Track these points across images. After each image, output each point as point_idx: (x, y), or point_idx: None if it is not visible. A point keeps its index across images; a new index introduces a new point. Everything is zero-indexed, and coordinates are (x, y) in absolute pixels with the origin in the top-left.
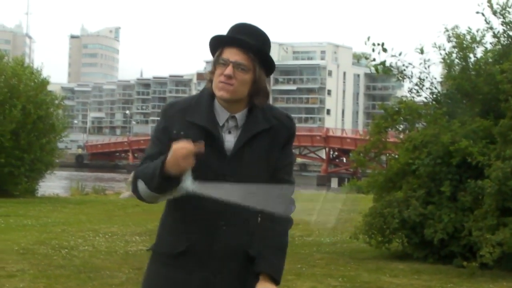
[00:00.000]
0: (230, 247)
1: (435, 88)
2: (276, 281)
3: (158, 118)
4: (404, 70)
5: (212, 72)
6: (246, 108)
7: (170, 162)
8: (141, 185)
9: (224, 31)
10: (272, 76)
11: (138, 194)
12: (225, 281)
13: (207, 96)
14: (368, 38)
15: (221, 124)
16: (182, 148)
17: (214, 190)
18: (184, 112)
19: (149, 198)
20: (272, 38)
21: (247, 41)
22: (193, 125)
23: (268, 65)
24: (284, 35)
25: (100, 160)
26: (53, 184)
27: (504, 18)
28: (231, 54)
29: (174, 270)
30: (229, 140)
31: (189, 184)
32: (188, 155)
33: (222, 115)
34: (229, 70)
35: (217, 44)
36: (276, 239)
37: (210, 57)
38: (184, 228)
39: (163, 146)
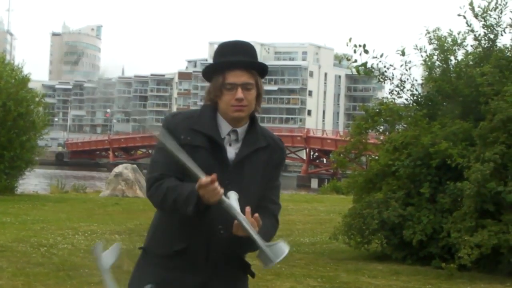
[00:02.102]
0: (226, 252)
1: (416, 90)
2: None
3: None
4: (385, 71)
5: (217, 96)
6: (248, 123)
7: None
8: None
9: (205, 31)
10: None
11: (162, 205)
12: (221, 285)
13: (210, 110)
14: (350, 40)
15: (222, 137)
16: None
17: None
18: (188, 121)
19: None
20: (254, 38)
21: (247, 61)
22: (199, 133)
23: (266, 69)
24: (266, 36)
25: (80, 158)
26: (33, 181)
27: (485, 21)
28: (236, 77)
29: (169, 271)
30: (230, 151)
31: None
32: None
33: (224, 128)
34: (240, 94)
35: (217, 69)
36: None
37: (191, 57)
38: (182, 229)
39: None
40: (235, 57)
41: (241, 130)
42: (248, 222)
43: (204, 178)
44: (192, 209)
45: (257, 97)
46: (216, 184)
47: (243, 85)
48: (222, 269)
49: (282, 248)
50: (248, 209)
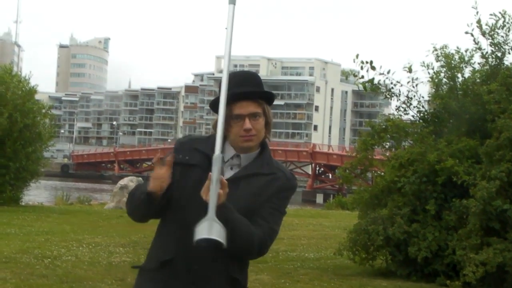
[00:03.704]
0: (210, 266)
1: (423, 106)
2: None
3: (148, 130)
4: (392, 88)
5: (225, 128)
6: (257, 151)
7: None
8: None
9: (212, 45)
10: None
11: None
12: None
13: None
14: (357, 56)
15: (225, 160)
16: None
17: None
18: (194, 142)
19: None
20: (261, 53)
21: (252, 91)
22: (198, 151)
23: (273, 97)
24: (273, 50)
25: (85, 170)
26: (38, 193)
27: (492, 39)
28: (243, 108)
29: (156, 283)
30: (229, 175)
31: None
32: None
33: (228, 152)
34: (248, 124)
35: (233, 97)
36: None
37: (198, 70)
38: (167, 242)
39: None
40: (240, 89)
41: (246, 156)
42: (216, 190)
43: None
44: (146, 193)
45: (266, 125)
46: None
47: (250, 115)
48: (207, 281)
49: (220, 232)
50: (224, 180)
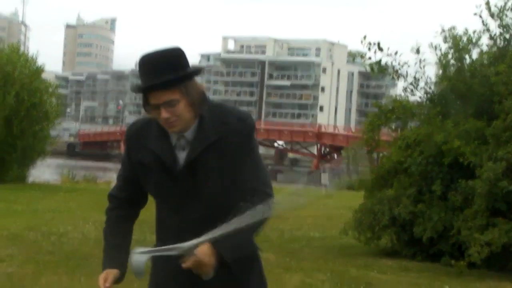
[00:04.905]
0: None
1: (430, 88)
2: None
3: None
4: (399, 69)
5: (149, 113)
6: (195, 122)
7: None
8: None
9: (219, 25)
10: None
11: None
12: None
13: (156, 121)
14: (365, 37)
15: (173, 144)
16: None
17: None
18: (138, 135)
19: None
20: (268, 33)
21: (161, 81)
22: (145, 147)
23: (192, 75)
24: (280, 31)
25: (92, 149)
26: (44, 171)
27: (501, 20)
28: (156, 98)
29: (157, 275)
30: (183, 157)
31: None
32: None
33: (173, 134)
34: (164, 114)
35: (140, 92)
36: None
37: (205, 50)
38: (161, 235)
39: (128, 169)
40: (149, 78)
41: (189, 133)
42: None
43: (102, 281)
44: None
45: (192, 104)
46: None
47: (165, 104)
48: (197, 282)
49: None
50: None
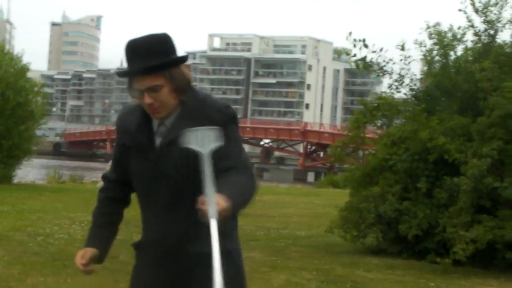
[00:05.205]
0: (164, 245)
1: (415, 85)
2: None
3: None
4: (385, 66)
5: (133, 98)
6: (178, 110)
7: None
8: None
9: (205, 23)
10: (252, 69)
11: None
12: (178, 280)
13: (139, 107)
14: (350, 34)
15: (155, 130)
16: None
17: None
18: (125, 118)
19: None
20: (254, 31)
21: (144, 67)
22: (128, 130)
23: (177, 61)
24: (266, 28)
25: (78, 148)
26: (30, 171)
27: (486, 16)
28: (139, 83)
29: (138, 263)
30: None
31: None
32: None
33: (155, 120)
34: (147, 99)
35: (123, 76)
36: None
37: (190, 48)
38: (143, 224)
39: (117, 151)
40: (133, 63)
41: (170, 120)
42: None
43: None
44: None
45: (175, 90)
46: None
47: (150, 89)
48: (177, 263)
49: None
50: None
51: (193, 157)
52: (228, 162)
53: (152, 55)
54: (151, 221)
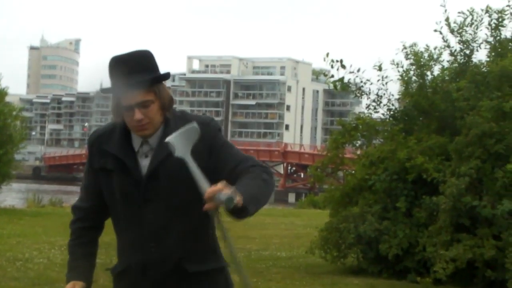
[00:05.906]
0: (163, 267)
1: (393, 105)
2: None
3: None
4: (362, 86)
5: (118, 116)
6: (161, 128)
7: None
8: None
9: (184, 45)
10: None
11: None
12: None
13: (120, 127)
14: (327, 55)
15: (136, 150)
16: None
17: None
18: (100, 140)
19: None
20: (232, 53)
21: (136, 82)
22: (108, 153)
23: (166, 77)
24: (244, 50)
25: (57, 172)
26: (10, 196)
27: (461, 36)
28: (129, 99)
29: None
30: (145, 165)
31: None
32: None
33: (136, 140)
34: (138, 115)
35: (113, 92)
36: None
37: (169, 70)
38: (122, 250)
39: (90, 177)
40: (123, 79)
41: (153, 138)
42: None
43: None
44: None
45: (162, 107)
46: None
47: (139, 104)
48: (163, 285)
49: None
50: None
51: (184, 176)
52: (246, 163)
53: (141, 71)
54: (137, 246)
